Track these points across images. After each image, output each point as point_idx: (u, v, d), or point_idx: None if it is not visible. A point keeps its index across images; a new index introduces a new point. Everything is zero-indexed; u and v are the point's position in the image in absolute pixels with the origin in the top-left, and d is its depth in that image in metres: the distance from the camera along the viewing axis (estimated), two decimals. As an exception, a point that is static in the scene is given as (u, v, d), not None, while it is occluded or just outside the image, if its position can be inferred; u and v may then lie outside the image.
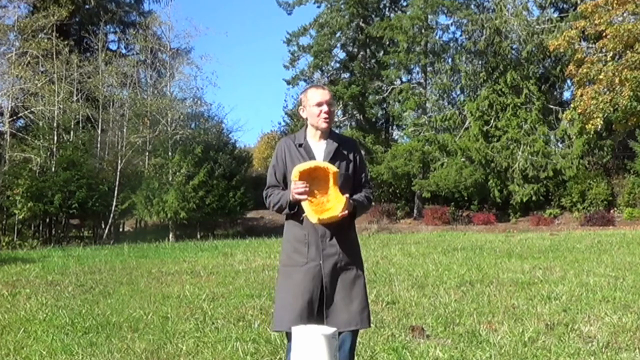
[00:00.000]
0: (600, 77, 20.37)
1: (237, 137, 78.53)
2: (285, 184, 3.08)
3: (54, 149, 23.35)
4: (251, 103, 72.70)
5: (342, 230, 3.01)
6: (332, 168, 2.94)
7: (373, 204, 3.37)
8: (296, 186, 2.89)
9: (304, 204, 2.92)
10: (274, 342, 4.57)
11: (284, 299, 3.00)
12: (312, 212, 2.90)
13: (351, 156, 3.11)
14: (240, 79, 72.02)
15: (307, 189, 2.90)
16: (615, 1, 20.25)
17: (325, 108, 3.03)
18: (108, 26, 31.49)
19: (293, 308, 2.92)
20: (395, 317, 5.47)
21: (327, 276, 2.95)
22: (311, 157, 3.04)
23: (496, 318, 5.32)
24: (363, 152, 28.20)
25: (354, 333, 3.02)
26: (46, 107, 23.20)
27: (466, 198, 27.08)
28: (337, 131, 3.28)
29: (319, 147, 3.08)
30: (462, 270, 8.61)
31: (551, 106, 27.26)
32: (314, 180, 2.94)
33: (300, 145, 3.08)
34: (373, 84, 30.28)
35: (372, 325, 3.29)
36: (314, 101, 3.05)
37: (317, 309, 2.93)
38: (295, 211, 2.99)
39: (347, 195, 2.96)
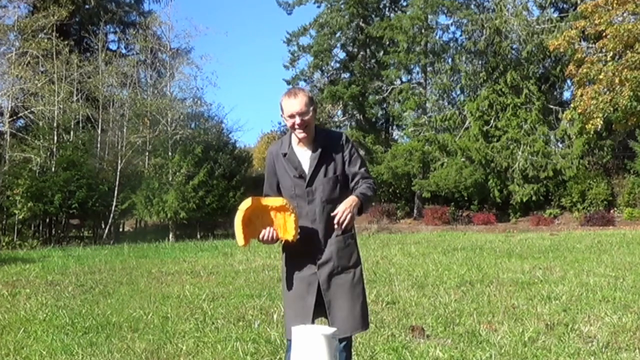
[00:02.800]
0: (600, 77, 20.36)
1: (237, 137, 78.69)
2: (279, 192, 3.03)
3: (54, 149, 23.34)
4: (251, 103, 72.81)
5: (337, 235, 2.96)
6: (275, 202, 2.86)
7: (378, 193, 3.24)
8: (266, 240, 2.85)
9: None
10: (274, 342, 4.57)
11: (285, 307, 3.06)
12: (287, 235, 2.86)
13: (338, 156, 2.97)
14: (240, 79, 72.11)
15: (272, 235, 2.85)
16: (615, 1, 20.25)
17: (297, 120, 2.87)
18: (108, 26, 31.52)
19: (290, 316, 2.96)
20: (395, 317, 5.47)
21: (324, 283, 2.92)
22: (296, 166, 2.95)
23: (496, 318, 5.32)
24: (363, 152, 28.37)
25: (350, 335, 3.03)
26: (46, 107, 23.18)
27: (466, 198, 27.08)
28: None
29: (304, 155, 2.98)
30: (462, 270, 8.61)
31: (551, 106, 27.27)
32: (260, 212, 2.86)
33: (284, 155, 2.99)
34: (373, 84, 30.29)
35: (370, 326, 3.29)
36: (286, 113, 2.91)
37: (312, 316, 2.92)
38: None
39: (282, 198, 2.88)
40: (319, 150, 2.95)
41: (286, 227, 2.84)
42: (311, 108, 2.92)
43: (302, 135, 2.92)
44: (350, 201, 2.85)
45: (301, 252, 2.95)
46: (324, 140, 2.98)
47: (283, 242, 2.92)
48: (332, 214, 2.85)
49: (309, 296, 2.93)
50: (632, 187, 24.52)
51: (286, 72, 33.00)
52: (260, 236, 2.85)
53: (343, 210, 2.80)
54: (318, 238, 2.93)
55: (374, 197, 3.01)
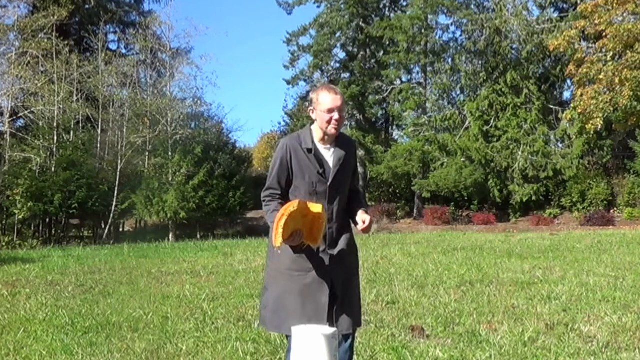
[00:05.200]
0: (600, 77, 20.36)
1: (237, 137, 78.78)
2: (288, 187, 2.98)
3: (54, 149, 23.34)
4: (251, 103, 72.76)
5: (345, 233, 3.02)
6: (316, 208, 2.84)
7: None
8: (292, 242, 2.84)
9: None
10: (274, 342, 4.56)
11: (290, 302, 2.90)
12: (311, 240, 2.89)
13: (352, 161, 3.08)
14: (240, 79, 72.08)
15: (301, 239, 2.86)
16: (615, 1, 20.24)
17: (336, 115, 2.90)
18: (108, 26, 31.50)
19: (303, 312, 2.86)
20: (395, 317, 5.46)
21: (336, 279, 2.93)
22: (322, 164, 2.94)
23: (496, 318, 5.32)
24: (363, 152, 28.41)
25: (354, 332, 3.04)
26: (46, 107, 23.19)
27: (466, 198, 27.07)
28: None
29: (328, 154, 2.98)
30: (462, 270, 8.60)
31: (551, 106, 27.26)
32: (296, 215, 2.81)
33: (309, 151, 2.95)
34: (373, 84, 30.27)
35: (362, 325, 3.34)
36: (325, 107, 2.91)
37: (327, 313, 2.90)
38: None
39: (321, 205, 2.85)
40: (343, 152, 2.99)
41: (312, 232, 2.85)
42: (345, 107, 3.05)
43: (333, 131, 2.95)
44: (370, 216, 3.01)
45: (312, 249, 2.93)
46: (343, 142, 3.05)
47: (305, 246, 2.91)
48: (358, 218, 2.99)
49: (322, 295, 2.88)
50: (632, 187, 24.51)
51: (286, 72, 32.93)
52: (291, 239, 2.82)
53: (370, 220, 2.97)
54: (332, 237, 2.96)
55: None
